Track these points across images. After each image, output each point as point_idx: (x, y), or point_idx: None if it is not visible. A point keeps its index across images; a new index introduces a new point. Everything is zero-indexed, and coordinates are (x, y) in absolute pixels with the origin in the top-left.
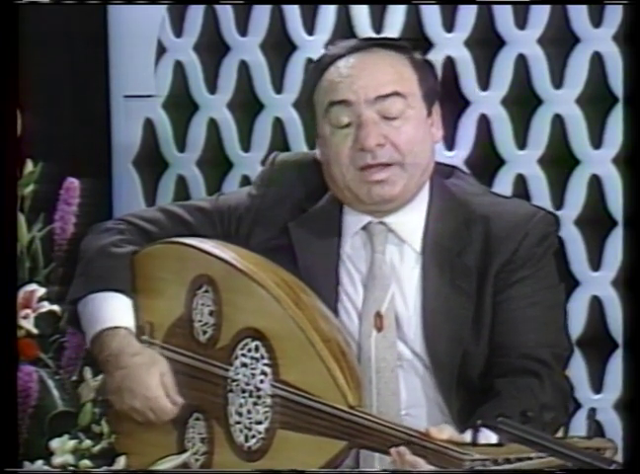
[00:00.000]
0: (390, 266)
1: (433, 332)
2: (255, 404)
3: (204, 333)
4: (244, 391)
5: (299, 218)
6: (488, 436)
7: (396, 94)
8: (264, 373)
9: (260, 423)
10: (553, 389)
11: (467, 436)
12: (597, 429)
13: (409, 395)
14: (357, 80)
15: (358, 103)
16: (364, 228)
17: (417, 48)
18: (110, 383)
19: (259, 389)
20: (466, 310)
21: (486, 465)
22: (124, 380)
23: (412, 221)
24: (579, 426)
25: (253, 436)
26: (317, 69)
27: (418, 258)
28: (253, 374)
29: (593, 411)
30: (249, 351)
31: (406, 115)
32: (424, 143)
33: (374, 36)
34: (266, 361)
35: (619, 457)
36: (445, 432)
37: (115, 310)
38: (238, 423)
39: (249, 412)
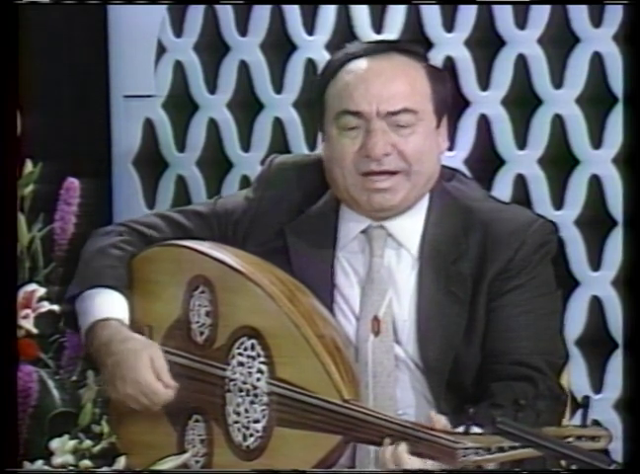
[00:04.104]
0: (388, 270)
1: (425, 337)
2: (252, 403)
3: (202, 334)
4: (241, 390)
5: (295, 220)
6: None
7: (407, 110)
8: (260, 371)
9: (257, 421)
10: (548, 392)
11: (461, 429)
12: (593, 421)
13: (404, 395)
14: (371, 87)
15: (369, 113)
16: (363, 232)
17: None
18: (103, 374)
19: (256, 387)
20: (459, 317)
21: (479, 453)
22: (115, 367)
23: (411, 225)
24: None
25: (251, 435)
26: (331, 67)
27: (415, 263)
28: (250, 373)
29: (587, 399)
30: (245, 349)
31: (415, 126)
32: (431, 153)
33: (385, 38)
34: (262, 360)
35: (619, 457)
36: (441, 422)
37: (107, 304)
38: (236, 422)
39: (246, 411)
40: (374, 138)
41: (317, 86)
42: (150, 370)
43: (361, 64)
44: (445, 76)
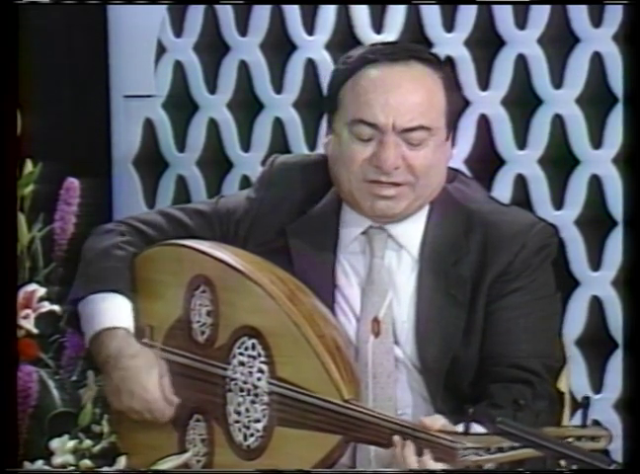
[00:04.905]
0: (388, 271)
1: (424, 338)
2: (253, 402)
3: (203, 333)
4: (242, 390)
5: (297, 221)
6: (480, 427)
7: (422, 128)
8: (261, 371)
9: (258, 421)
10: (546, 394)
11: (459, 427)
12: (593, 421)
13: (402, 395)
14: (390, 99)
15: (385, 125)
16: (364, 233)
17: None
18: (108, 384)
19: (256, 387)
20: (458, 319)
21: (479, 453)
22: (124, 382)
23: (411, 227)
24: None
25: (251, 435)
26: (348, 66)
27: (415, 264)
28: (250, 372)
29: (587, 399)
30: (246, 349)
31: (427, 142)
32: (438, 166)
33: (410, 44)
34: (262, 359)
35: (619, 457)
36: (438, 422)
37: (113, 311)
38: (237, 422)
39: (247, 410)
40: (387, 151)
41: (331, 82)
42: (159, 390)
43: (381, 72)
44: (458, 84)
